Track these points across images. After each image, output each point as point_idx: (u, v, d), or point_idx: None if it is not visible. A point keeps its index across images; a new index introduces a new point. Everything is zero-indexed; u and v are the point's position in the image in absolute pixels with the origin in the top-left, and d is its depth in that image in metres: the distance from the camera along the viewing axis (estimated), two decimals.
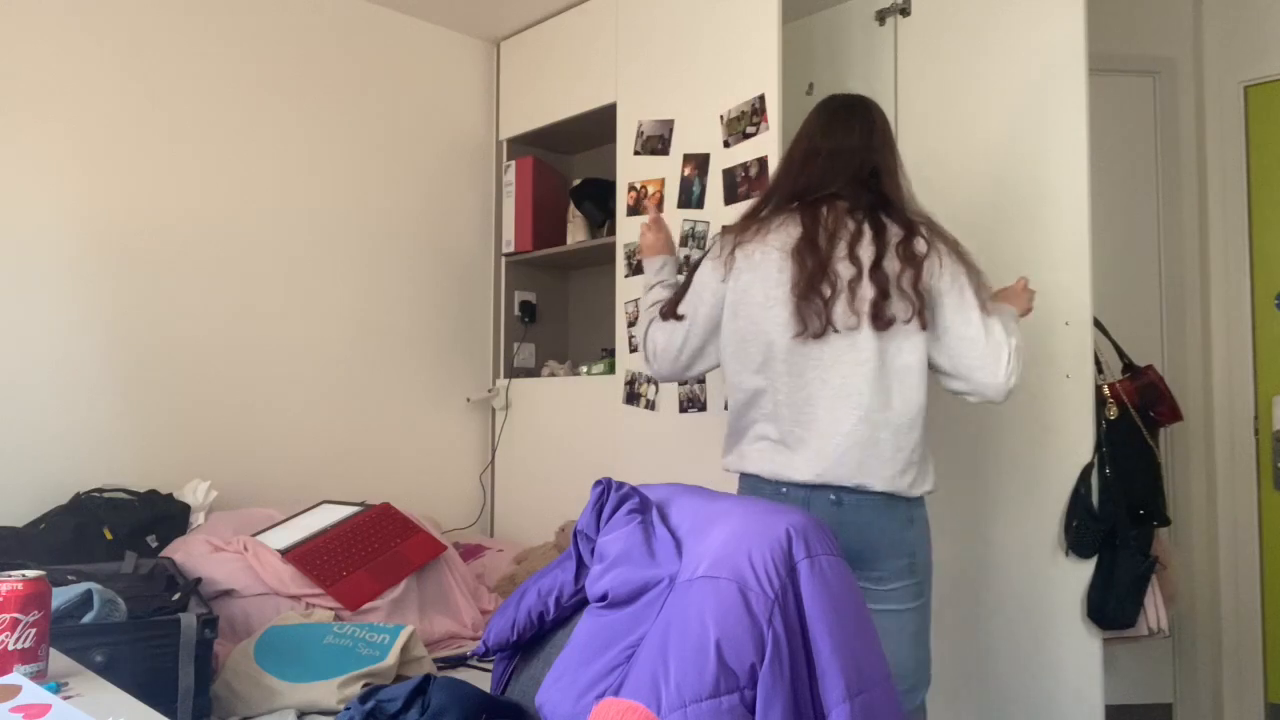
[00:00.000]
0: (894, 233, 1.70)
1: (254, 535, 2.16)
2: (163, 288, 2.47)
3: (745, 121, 2.38)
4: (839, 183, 1.74)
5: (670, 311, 1.84)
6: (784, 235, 1.73)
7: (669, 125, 2.59)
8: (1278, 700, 2.85)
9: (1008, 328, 1.70)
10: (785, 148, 1.90)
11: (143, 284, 2.44)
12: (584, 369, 2.92)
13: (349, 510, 2.35)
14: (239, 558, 2.04)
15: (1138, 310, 3.00)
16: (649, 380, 2.59)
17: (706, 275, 1.81)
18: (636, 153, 2.67)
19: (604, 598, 1.32)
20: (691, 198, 2.51)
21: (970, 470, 2.33)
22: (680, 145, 2.56)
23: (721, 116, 2.44)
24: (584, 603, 1.39)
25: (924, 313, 1.67)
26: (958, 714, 2.34)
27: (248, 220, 2.64)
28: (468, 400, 3.14)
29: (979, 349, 1.67)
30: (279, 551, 2.07)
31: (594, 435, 2.78)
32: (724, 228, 1.85)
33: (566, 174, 3.28)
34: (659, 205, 2.27)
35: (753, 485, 1.77)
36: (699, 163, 2.50)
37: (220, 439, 2.56)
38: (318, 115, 2.80)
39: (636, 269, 2.57)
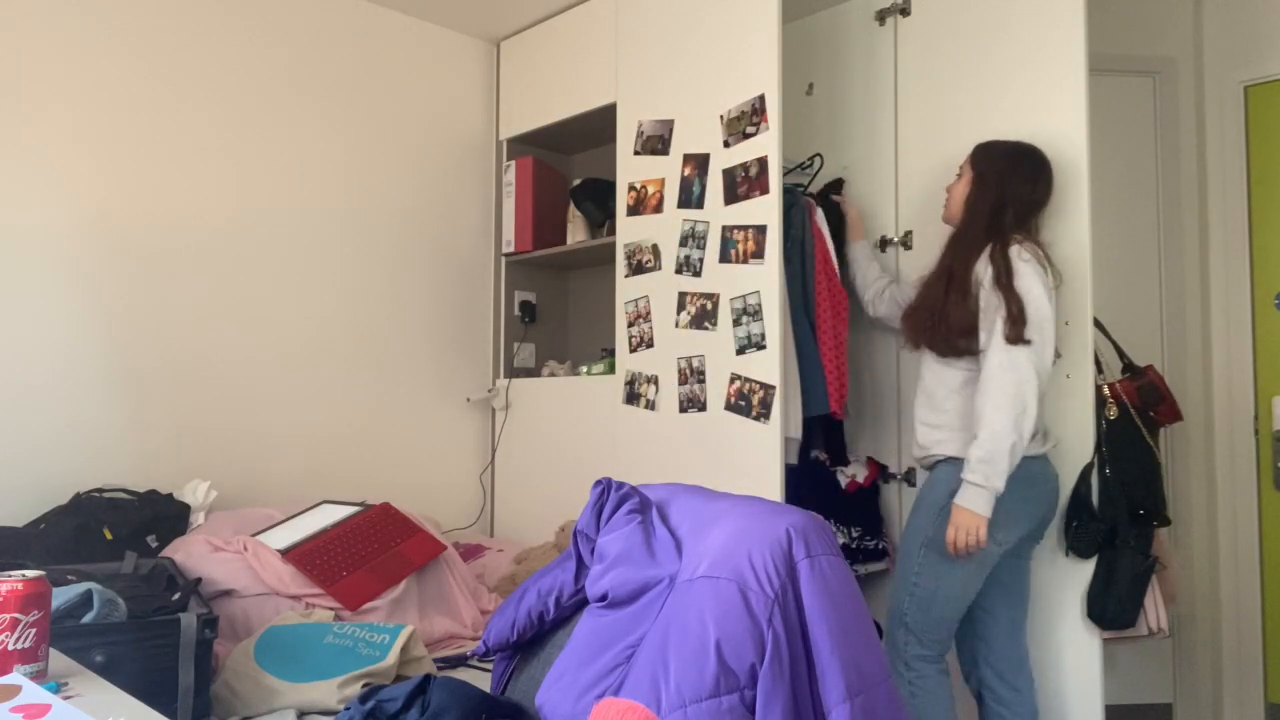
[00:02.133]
0: None
1: (254, 535, 2.16)
2: (162, 288, 2.47)
3: (745, 121, 2.38)
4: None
5: (1019, 336, 1.95)
6: None
7: (669, 125, 2.59)
8: (1278, 700, 2.85)
9: None
10: (988, 181, 2.14)
11: (143, 284, 2.44)
12: (584, 369, 2.92)
13: (349, 510, 2.35)
14: (239, 558, 2.04)
15: (1138, 310, 3.01)
16: (649, 380, 2.59)
17: (1046, 288, 1.99)
18: (636, 153, 2.67)
19: (604, 598, 1.32)
20: (691, 198, 2.51)
21: None
22: (680, 145, 2.56)
23: (721, 116, 2.44)
24: (584, 603, 1.39)
25: None
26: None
27: (247, 220, 2.65)
28: (468, 400, 3.15)
29: None
30: (279, 551, 2.07)
31: (594, 435, 2.78)
32: (1019, 241, 2.04)
33: (566, 174, 3.28)
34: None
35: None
36: (699, 163, 2.50)
37: (220, 439, 2.56)
38: (317, 115, 2.80)
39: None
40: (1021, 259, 2.00)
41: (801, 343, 2.41)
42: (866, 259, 2.55)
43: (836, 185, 2.67)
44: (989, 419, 1.93)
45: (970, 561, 1.99)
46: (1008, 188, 2.09)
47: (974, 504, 1.93)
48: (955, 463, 2.04)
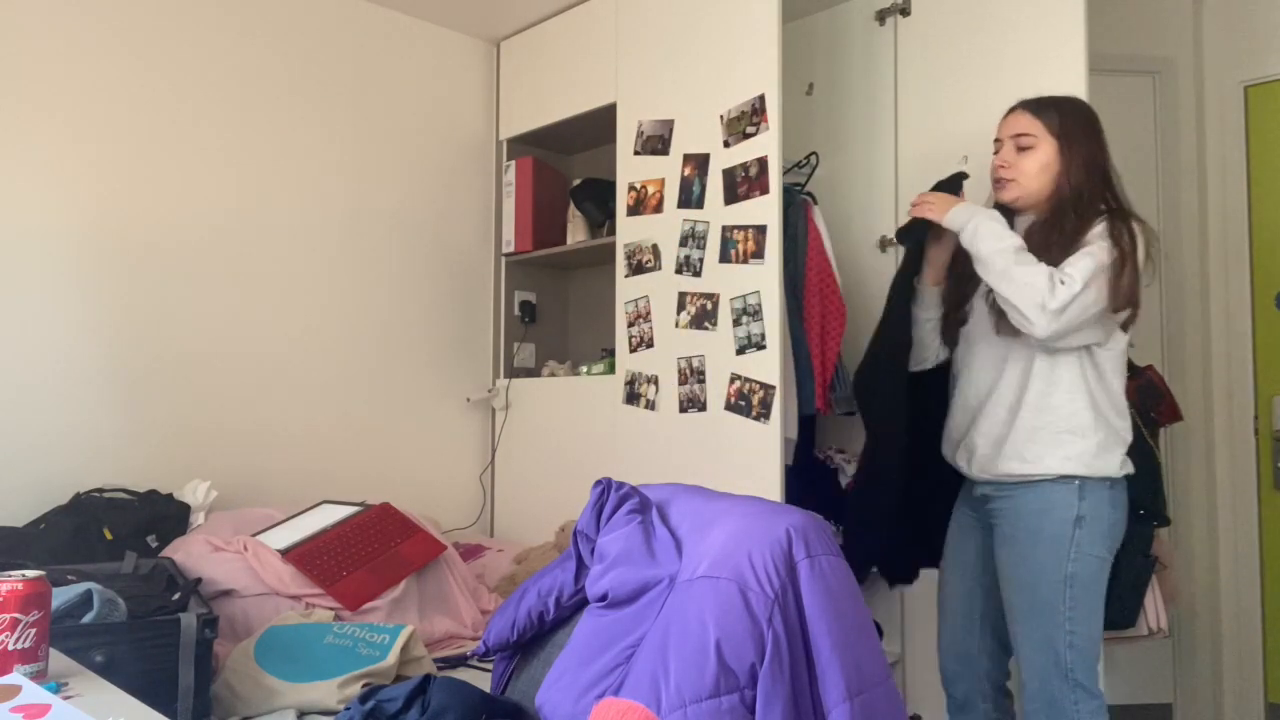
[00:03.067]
0: None
1: (254, 535, 2.16)
2: (163, 288, 2.47)
3: (745, 121, 2.38)
4: None
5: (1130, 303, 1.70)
6: None
7: (669, 125, 2.59)
8: (1278, 700, 2.85)
9: None
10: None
11: (143, 284, 2.44)
12: (584, 369, 2.92)
13: (349, 510, 2.35)
14: (239, 558, 2.04)
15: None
16: (649, 380, 2.59)
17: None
18: (636, 153, 2.67)
19: (604, 598, 1.32)
20: (691, 198, 2.51)
21: None
22: (680, 145, 2.56)
23: (721, 116, 2.44)
24: (584, 603, 1.39)
25: None
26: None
27: (247, 220, 2.65)
28: (468, 400, 3.14)
29: None
30: (279, 551, 2.07)
31: (594, 435, 2.78)
32: (1138, 218, 1.77)
33: (566, 174, 3.28)
34: None
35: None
36: (699, 163, 2.50)
37: (220, 439, 2.56)
38: (318, 115, 2.80)
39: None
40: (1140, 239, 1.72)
41: (795, 343, 2.41)
42: (937, 311, 2.02)
43: (956, 182, 2.04)
44: (1037, 269, 1.67)
45: (1102, 584, 1.80)
46: (1102, 152, 1.82)
47: (968, 218, 1.76)
48: (1069, 483, 1.75)
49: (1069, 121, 1.82)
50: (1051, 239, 1.75)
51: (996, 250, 1.71)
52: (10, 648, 1.10)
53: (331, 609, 2.00)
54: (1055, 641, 1.75)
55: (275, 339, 2.69)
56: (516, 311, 3.21)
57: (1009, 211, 1.89)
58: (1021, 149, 1.83)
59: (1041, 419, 1.77)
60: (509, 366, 3.16)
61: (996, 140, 1.90)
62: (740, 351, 2.35)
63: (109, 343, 2.37)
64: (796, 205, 2.47)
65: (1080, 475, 1.75)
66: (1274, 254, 2.94)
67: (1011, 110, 1.88)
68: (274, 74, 2.71)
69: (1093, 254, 1.69)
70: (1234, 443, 2.96)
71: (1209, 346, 3.01)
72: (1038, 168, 1.81)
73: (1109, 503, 1.77)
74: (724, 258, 2.40)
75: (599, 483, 1.43)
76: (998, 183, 1.87)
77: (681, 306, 2.51)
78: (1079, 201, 1.77)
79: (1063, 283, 1.65)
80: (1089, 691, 1.75)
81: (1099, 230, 1.74)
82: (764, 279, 2.30)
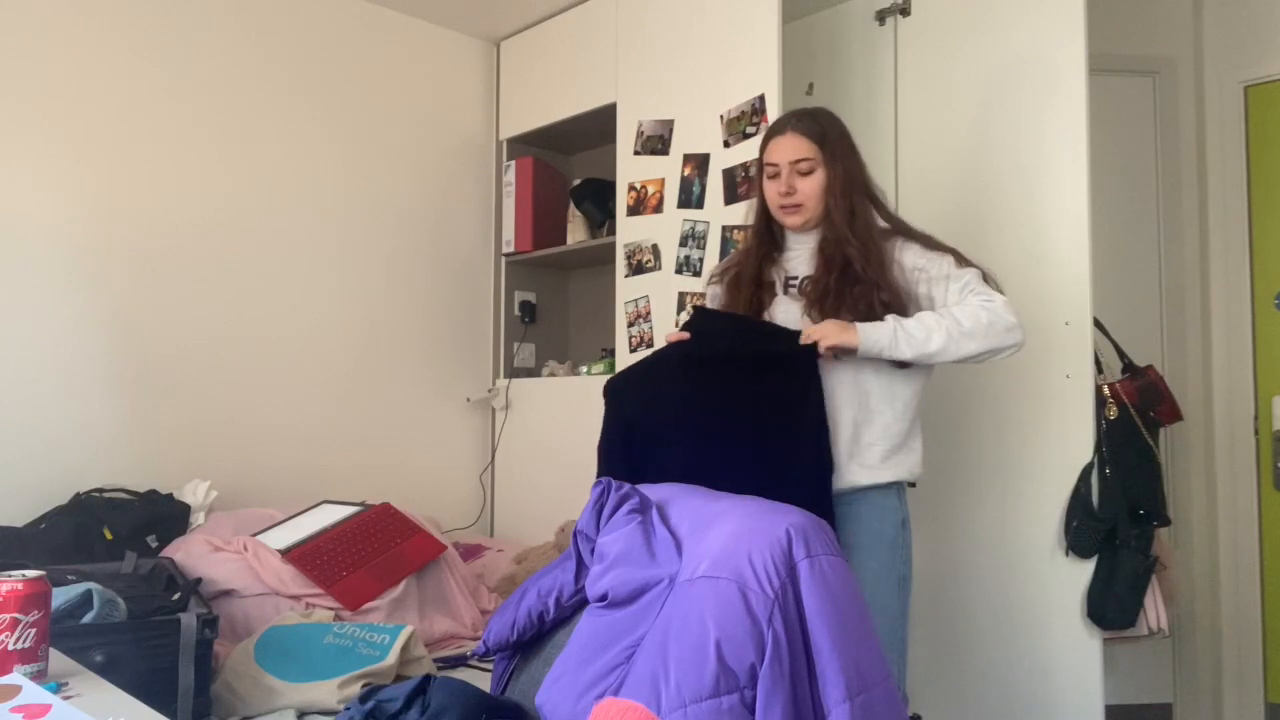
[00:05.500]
0: None
1: (254, 535, 2.16)
2: (163, 287, 2.47)
3: (745, 121, 2.38)
4: None
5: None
6: None
7: (669, 125, 2.59)
8: (1278, 700, 2.85)
9: None
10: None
11: (143, 284, 2.44)
12: (584, 369, 2.92)
13: (349, 510, 2.34)
14: (239, 558, 2.04)
15: (1138, 310, 3.00)
16: None
17: None
18: (636, 153, 2.67)
19: (604, 598, 1.32)
20: (691, 198, 2.51)
21: (970, 470, 2.33)
22: (680, 145, 2.56)
23: (721, 116, 2.44)
24: (584, 603, 1.39)
25: None
26: (959, 714, 2.33)
27: (247, 220, 2.65)
28: (468, 400, 3.14)
29: None
30: (279, 551, 2.07)
31: (594, 435, 2.77)
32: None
33: (566, 174, 3.28)
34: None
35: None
36: (699, 163, 2.50)
37: (220, 439, 2.56)
38: (317, 115, 2.80)
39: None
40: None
41: None
42: None
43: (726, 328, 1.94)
44: (972, 312, 1.67)
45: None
46: (862, 165, 1.84)
47: (881, 334, 1.65)
48: (898, 488, 1.79)
49: (833, 136, 1.80)
50: (854, 266, 1.74)
51: (936, 335, 1.67)
52: (10, 648, 1.10)
53: (331, 609, 2.00)
54: (889, 649, 1.69)
55: (275, 339, 2.69)
56: (516, 311, 3.21)
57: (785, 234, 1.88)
58: (802, 174, 1.79)
59: (874, 434, 1.77)
60: (509, 366, 3.16)
61: (771, 165, 1.82)
62: None
63: (109, 342, 2.37)
64: None
65: (904, 480, 1.79)
66: (1274, 254, 2.94)
67: (779, 134, 1.82)
68: (274, 74, 2.71)
69: (972, 272, 1.74)
70: (1234, 443, 2.95)
71: (1209, 346, 3.00)
72: (819, 190, 1.78)
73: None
74: (724, 258, 2.40)
75: (599, 482, 1.43)
76: (786, 209, 1.82)
77: (681, 306, 2.51)
78: (854, 218, 1.77)
79: (989, 299, 1.69)
80: (903, 695, 1.73)
81: (917, 251, 1.77)
82: None
